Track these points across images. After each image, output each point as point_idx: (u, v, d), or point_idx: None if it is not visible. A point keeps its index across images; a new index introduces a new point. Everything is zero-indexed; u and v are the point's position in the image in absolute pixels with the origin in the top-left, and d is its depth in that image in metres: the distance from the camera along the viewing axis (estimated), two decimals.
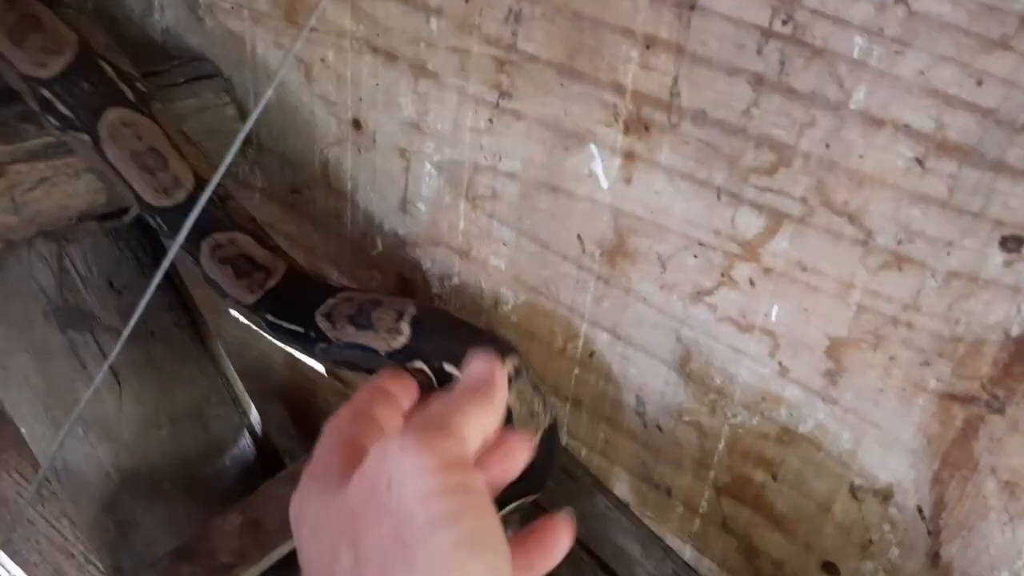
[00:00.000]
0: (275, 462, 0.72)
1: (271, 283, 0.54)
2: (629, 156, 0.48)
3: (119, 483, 0.64)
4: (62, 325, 0.62)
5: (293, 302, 0.54)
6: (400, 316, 0.50)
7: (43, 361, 0.63)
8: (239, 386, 0.72)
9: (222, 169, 0.49)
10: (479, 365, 0.35)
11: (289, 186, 0.69)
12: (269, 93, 0.49)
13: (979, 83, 0.37)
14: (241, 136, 0.48)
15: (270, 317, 0.54)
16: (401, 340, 0.49)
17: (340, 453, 0.36)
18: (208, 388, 0.68)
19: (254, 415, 0.72)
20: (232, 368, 0.72)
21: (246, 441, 0.70)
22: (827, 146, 0.41)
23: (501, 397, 0.34)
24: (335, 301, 0.52)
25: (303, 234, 0.70)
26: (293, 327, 0.53)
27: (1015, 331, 0.39)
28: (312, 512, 0.32)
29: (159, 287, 0.53)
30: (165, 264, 0.52)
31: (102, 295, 0.63)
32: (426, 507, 0.27)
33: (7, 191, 0.54)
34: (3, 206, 0.54)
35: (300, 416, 0.88)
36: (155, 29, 0.70)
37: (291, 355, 0.81)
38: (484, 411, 0.32)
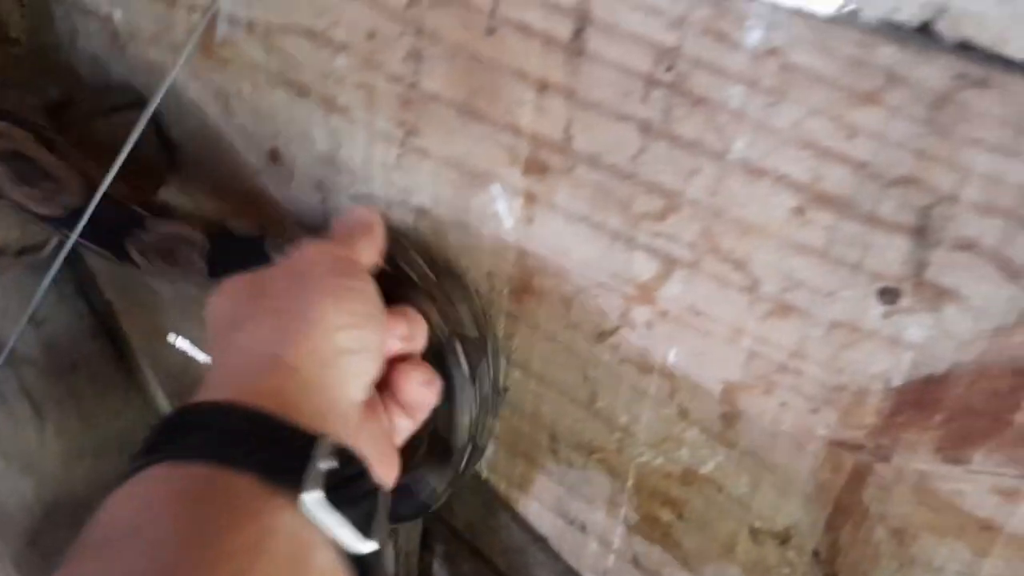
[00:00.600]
0: None
1: (71, 200, 0.55)
2: (530, 197, 0.48)
3: (43, 516, 0.63)
4: None
5: (102, 227, 0.55)
6: (200, 251, 0.55)
7: None
8: None
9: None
10: (361, 213, 0.47)
11: (215, 215, 0.68)
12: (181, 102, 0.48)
13: (851, 136, 0.36)
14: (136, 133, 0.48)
15: (77, 237, 0.55)
16: (203, 270, 0.55)
17: None
18: (135, 418, 0.67)
19: None
20: (163, 396, 0.71)
21: None
22: (712, 194, 0.41)
23: (381, 234, 0.47)
24: (147, 235, 0.55)
25: None
26: (103, 251, 0.56)
27: (896, 382, 0.39)
28: (233, 284, 0.42)
29: (82, 316, 0.52)
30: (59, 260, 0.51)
31: (22, 328, 0.62)
32: (323, 266, 0.40)
33: None
34: None
35: None
36: (82, 58, 0.70)
37: None
38: (372, 241, 0.45)
